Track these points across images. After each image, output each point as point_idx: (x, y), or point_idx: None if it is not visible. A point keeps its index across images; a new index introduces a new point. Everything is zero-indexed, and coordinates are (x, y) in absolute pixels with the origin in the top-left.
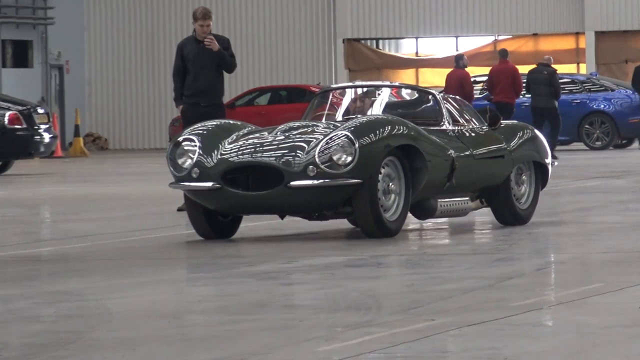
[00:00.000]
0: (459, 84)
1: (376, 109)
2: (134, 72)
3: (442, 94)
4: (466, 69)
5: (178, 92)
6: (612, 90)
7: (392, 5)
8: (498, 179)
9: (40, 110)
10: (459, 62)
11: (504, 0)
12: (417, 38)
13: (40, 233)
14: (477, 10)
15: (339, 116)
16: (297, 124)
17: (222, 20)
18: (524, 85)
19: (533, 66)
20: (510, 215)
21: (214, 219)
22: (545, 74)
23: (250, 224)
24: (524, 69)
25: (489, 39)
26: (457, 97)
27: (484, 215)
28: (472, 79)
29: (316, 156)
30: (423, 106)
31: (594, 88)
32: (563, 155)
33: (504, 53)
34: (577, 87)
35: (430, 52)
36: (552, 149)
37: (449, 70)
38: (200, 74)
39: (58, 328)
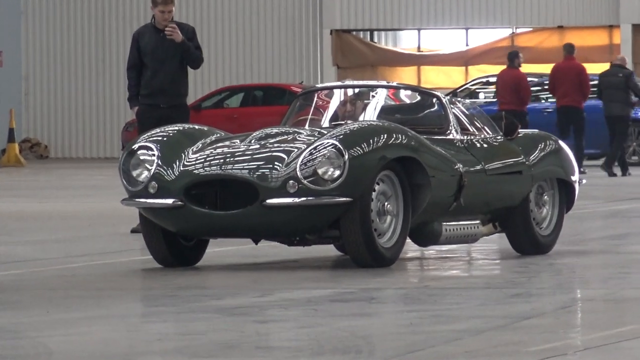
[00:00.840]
0: (513, 87)
1: (370, 114)
2: (80, 66)
3: (449, 97)
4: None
5: (133, 91)
6: None
7: None
8: (515, 199)
9: None
10: (513, 60)
11: None
12: (419, 30)
13: None
14: None
15: (325, 122)
16: (274, 130)
17: (186, 5)
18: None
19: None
20: (529, 243)
21: (174, 243)
22: (621, 76)
23: (217, 249)
24: (545, 68)
25: (506, 32)
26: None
27: (497, 243)
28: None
29: (298, 169)
30: (426, 111)
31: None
32: (592, 172)
33: (569, 48)
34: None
35: (434, 46)
36: (610, 165)
37: (456, 68)
38: (160, 69)
39: None
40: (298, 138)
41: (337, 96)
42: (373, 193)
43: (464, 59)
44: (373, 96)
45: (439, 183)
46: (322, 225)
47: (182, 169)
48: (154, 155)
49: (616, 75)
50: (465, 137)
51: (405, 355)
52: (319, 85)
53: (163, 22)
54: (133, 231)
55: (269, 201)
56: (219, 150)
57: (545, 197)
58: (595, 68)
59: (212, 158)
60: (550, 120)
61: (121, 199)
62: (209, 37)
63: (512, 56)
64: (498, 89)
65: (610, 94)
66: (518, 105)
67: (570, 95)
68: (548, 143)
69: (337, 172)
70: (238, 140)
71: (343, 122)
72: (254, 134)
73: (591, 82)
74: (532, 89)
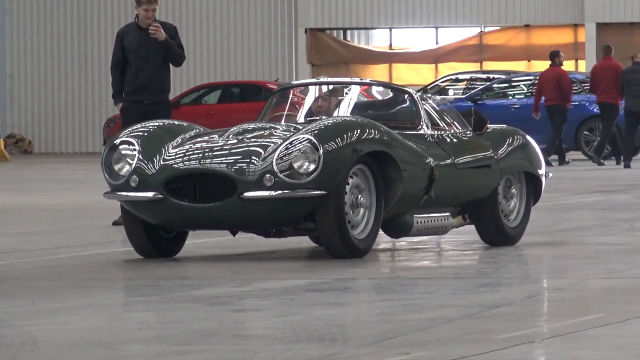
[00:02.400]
0: (556, 84)
1: (343, 110)
2: (63, 63)
3: (420, 94)
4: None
5: (117, 88)
6: None
7: None
8: (483, 191)
9: None
10: (554, 59)
11: None
12: (390, 29)
13: None
14: None
15: (300, 118)
16: (252, 126)
17: (165, 4)
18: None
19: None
20: (498, 234)
21: (155, 235)
22: None
23: (197, 241)
24: (513, 66)
25: (474, 31)
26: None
27: (467, 234)
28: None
29: (274, 163)
30: (398, 107)
31: None
32: (558, 166)
33: (607, 49)
34: (576, 88)
35: (405, 45)
36: (628, 158)
37: (426, 65)
38: (143, 67)
39: None
40: (274, 133)
41: (312, 93)
42: (347, 186)
43: (434, 57)
44: (347, 93)
45: (410, 176)
46: (298, 218)
47: (162, 163)
48: (135, 150)
49: (638, 72)
50: (435, 132)
51: (379, 343)
52: (295, 82)
53: (146, 20)
54: (115, 223)
55: (246, 194)
56: (198, 145)
57: (513, 190)
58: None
59: (191, 153)
60: (518, 116)
61: (103, 192)
62: (187, 35)
63: (553, 55)
64: (541, 86)
65: (631, 90)
66: (561, 101)
67: (608, 92)
68: (516, 138)
69: (312, 166)
70: (216, 136)
71: (318, 118)
72: (232, 130)
73: None
74: (501, 85)
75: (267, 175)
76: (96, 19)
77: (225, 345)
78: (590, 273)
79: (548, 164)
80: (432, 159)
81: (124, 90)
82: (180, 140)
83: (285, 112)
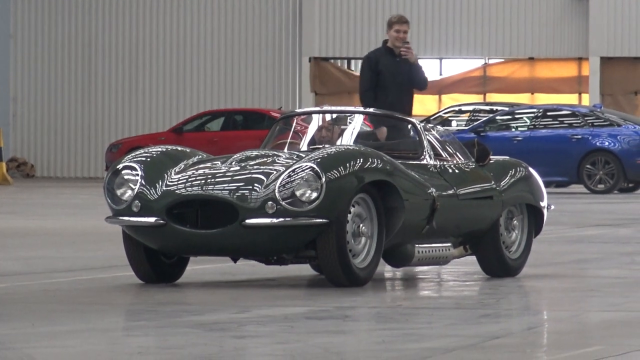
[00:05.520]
0: None
1: (346, 139)
2: (67, 88)
3: (423, 124)
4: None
5: None
6: (619, 125)
7: (366, 21)
8: (485, 223)
9: None
10: None
11: (495, 19)
12: None
13: None
14: (464, 30)
15: (303, 146)
16: (254, 153)
17: (170, 32)
18: None
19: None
20: (499, 265)
21: (156, 260)
22: None
23: (197, 267)
24: (516, 98)
25: (478, 63)
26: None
27: (468, 265)
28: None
29: (276, 191)
30: (401, 137)
31: (597, 122)
32: (560, 199)
33: None
34: (579, 121)
35: None
36: None
37: (430, 96)
38: (394, 90)
39: None
40: (277, 161)
41: (315, 121)
42: (349, 215)
43: (438, 88)
44: (350, 122)
45: (412, 206)
46: (299, 245)
47: (164, 188)
48: (137, 175)
49: None
50: (438, 162)
51: None
52: (298, 111)
53: (397, 42)
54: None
55: (248, 221)
56: (200, 172)
57: (515, 221)
58: (564, 99)
59: (193, 179)
60: (521, 148)
61: (105, 217)
62: (192, 62)
63: None
64: None
65: None
66: None
67: None
68: (518, 170)
69: (315, 194)
70: (219, 162)
71: (321, 146)
72: (235, 156)
73: None
74: (504, 117)
75: (269, 203)
76: (100, 44)
77: None
78: (590, 306)
79: None
80: (434, 189)
81: None
82: (182, 166)
83: (288, 140)
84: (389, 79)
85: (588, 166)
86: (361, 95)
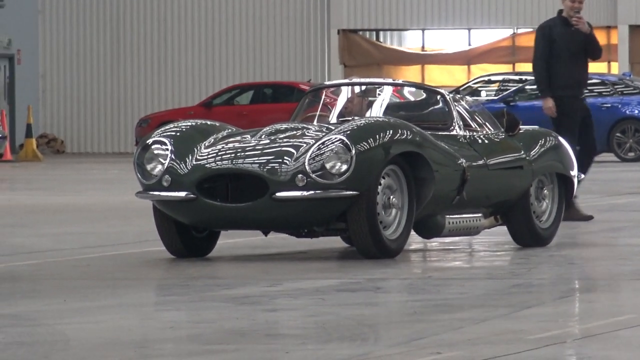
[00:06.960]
0: None
1: (376, 111)
2: (95, 63)
3: (452, 95)
4: (476, 67)
5: (546, 82)
6: None
7: None
8: (515, 193)
9: None
10: None
11: None
12: (423, 30)
13: None
14: (493, 0)
15: (332, 118)
16: (284, 126)
17: (198, 6)
18: None
19: None
20: (529, 235)
21: (187, 235)
22: None
23: (228, 241)
24: None
25: (507, 33)
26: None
27: (498, 235)
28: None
29: (306, 164)
30: (430, 108)
31: (627, 91)
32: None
33: None
34: (608, 90)
35: (438, 46)
36: None
37: (459, 67)
38: (574, 61)
39: (6, 357)
40: (307, 133)
41: (344, 93)
42: (379, 187)
43: (467, 58)
44: (379, 93)
45: (442, 177)
46: (330, 218)
47: (194, 163)
48: (167, 149)
49: None
50: (468, 133)
51: (410, 342)
52: (327, 83)
53: (571, 12)
54: None
55: (278, 194)
56: (230, 145)
57: (545, 191)
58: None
59: (223, 152)
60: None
61: (135, 192)
62: (220, 36)
63: None
64: None
65: None
66: None
67: None
68: (548, 139)
69: (345, 167)
70: (249, 136)
71: (350, 119)
72: (264, 130)
73: None
74: (533, 87)
75: (300, 176)
76: (129, 19)
77: (257, 344)
78: (621, 274)
79: None
80: (464, 160)
81: (551, 84)
82: (212, 140)
83: (318, 113)
84: (563, 48)
85: (618, 134)
86: (533, 64)
